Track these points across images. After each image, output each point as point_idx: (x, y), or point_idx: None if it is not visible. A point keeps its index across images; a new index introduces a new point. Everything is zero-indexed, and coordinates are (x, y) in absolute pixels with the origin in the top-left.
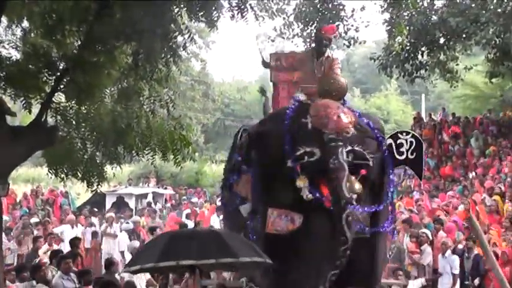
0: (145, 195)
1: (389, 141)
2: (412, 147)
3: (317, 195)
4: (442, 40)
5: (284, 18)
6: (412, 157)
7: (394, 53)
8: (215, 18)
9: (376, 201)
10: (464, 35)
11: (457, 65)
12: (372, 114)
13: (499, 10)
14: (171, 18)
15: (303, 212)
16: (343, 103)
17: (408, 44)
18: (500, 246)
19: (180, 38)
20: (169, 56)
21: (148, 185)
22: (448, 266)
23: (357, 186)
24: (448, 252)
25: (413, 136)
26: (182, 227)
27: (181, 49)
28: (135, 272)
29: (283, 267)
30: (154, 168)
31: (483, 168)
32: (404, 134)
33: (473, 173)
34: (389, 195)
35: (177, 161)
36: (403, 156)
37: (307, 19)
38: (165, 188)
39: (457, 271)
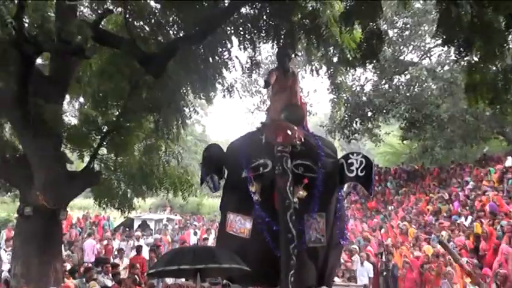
0: (161, 220)
1: (341, 161)
2: (361, 166)
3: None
4: (369, 114)
5: (260, 97)
6: (362, 174)
7: (336, 122)
8: (211, 96)
9: (322, 210)
10: (384, 111)
11: (380, 131)
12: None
13: (408, 94)
14: (180, 96)
15: (253, 216)
16: (301, 126)
17: (346, 116)
18: (408, 257)
19: (186, 110)
20: (179, 122)
21: (164, 212)
22: (365, 272)
23: (301, 192)
24: (365, 262)
25: (363, 156)
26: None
27: (187, 117)
28: (152, 274)
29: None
30: (167, 201)
31: (397, 203)
32: (355, 154)
33: (391, 206)
34: (337, 207)
35: (184, 196)
36: (354, 174)
37: None
38: (176, 215)
39: (371, 275)
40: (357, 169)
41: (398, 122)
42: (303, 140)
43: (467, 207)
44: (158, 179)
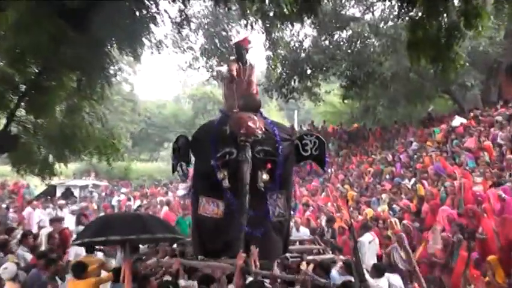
0: (86, 186)
1: (296, 142)
2: (315, 146)
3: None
4: (308, 71)
5: (192, 54)
6: (316, 153)
7: (273, 80)
8: (139, 53)
9: (283, 188)
10: (324, 68)
11: (320, 89)
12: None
13: (349, 51)
14: (105, 53)
15: (224, 199)
16: (259, 114)
17: (284, 74)
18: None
19: (112, 68)
20: (104, 81)
21: (89, 179)
22: (304, 237)
23: (265, 176)
24: (301, 227)
25: (317, 137)
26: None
27: (113, 76)
28: (78, 245)
29: (211, 239)
30: (92, 166)
31: (337, 166)
32: (308, 136)
33: (331, 169)
34: (292, 185)
35: (109, 161)
36: (308, 153)
37: (209, 54)
38: (102, 181)
39: None
40: (311, 149)
41: (339, 80)
42: (263, 129)
43: (410, 169)
44: (81, 143)
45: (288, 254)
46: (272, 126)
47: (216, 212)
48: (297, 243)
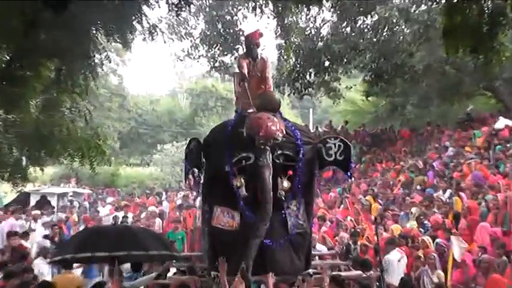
0: (66, 194)
1: (319, 145)
2: (340, 150)
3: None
4: (326, 63)
5: (191, 41)
6: (341, 158)
7: (285, 73)
8: (129, 39)
9: (303, 197)
10: (345, 60)
11: (339, 84)
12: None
13: (374, 39)
14: (89, 38)
15: (240, 210)
16: (278, 114)
17: (298, 66)
18: (373, 240)
19: (97, 56)
20: (88, 72)
21: (69, 185)
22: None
23: (285, 183)
24: (318, 244)
25: (341, 140)
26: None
27: (99, 66)
28: (59, 262)
29: (225, 254)
30: (73, 171)
31: (359, 173)
32: (332, 139)
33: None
34: (314, 193)
35: (93, 166)
36: (332, 158)
37: (211, 42)
38: (84, 188)
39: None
40: (335, 153)
41: (361, 73)
42: (284, 132)
43: (446, 179)
44: (61, 143)
45: (310, 270)
46: (293, 129)
47: (231, 224)
48: (316, 258)
